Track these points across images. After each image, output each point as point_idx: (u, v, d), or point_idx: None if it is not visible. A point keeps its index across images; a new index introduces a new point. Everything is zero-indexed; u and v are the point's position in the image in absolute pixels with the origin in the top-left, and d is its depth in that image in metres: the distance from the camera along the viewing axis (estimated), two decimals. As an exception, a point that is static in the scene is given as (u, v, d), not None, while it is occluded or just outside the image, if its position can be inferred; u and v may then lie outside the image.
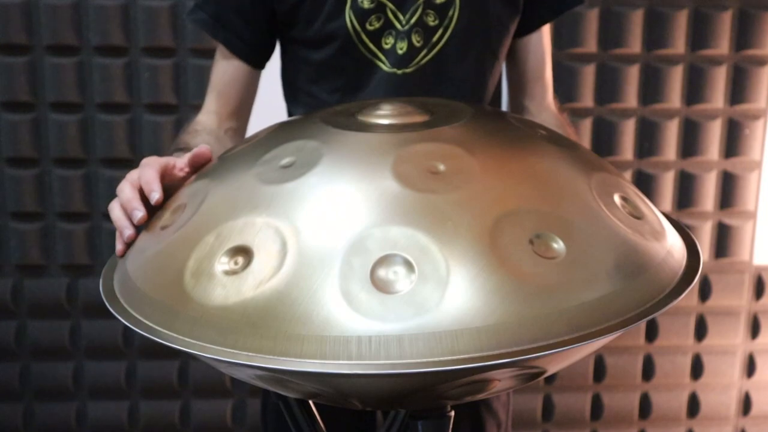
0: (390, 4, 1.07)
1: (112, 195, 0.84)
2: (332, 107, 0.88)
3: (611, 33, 1.96)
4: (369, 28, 1.07)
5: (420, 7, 1.07)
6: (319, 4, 1.08)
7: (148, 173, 0.81)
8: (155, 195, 0.79)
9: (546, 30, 1.20)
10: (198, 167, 0.85)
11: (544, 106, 1.21)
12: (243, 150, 0.82)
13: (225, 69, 1.15)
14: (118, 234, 0.81)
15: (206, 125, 1.13)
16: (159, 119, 1.91)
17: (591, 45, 1.96)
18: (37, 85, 1.88)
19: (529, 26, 1.17)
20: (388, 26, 1.07)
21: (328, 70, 1.12)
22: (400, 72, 1.09)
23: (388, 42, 1.08)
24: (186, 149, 1.02)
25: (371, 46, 1.08)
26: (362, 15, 1.07)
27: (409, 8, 1.07)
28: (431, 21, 1.07)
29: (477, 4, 1.09)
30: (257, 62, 1.16)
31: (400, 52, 1.08)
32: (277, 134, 0.83)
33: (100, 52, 1.87)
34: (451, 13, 1.08)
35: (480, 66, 1.14)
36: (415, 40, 1.08)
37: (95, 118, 1.91)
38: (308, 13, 1.08)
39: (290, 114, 1.22)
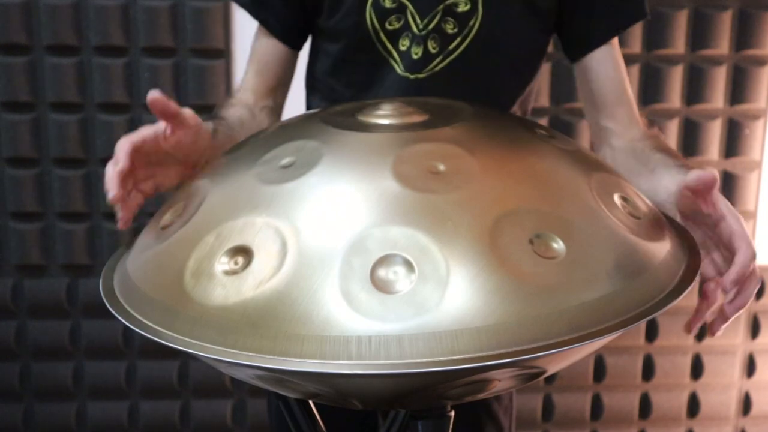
0: (410, 6, 1.06)
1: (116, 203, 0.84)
2: (332, 107, 0.88)
3: (611, 33, 1.96)
4: (388, 27, 1.07)
5: (439, 13, 1.06)
6: None
7: (119, 145, 0.82)
8: (111, 193, 0.79)
9: (615, 45, 1.12)
10: (166, 115, 0.86)
11: (630, 124, 1.12)
12: (243, 150, 0.82)
13: (264, 48, 1.16)
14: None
15: (242, 100, 1.13)
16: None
17: (591, 45, 1.95)
18: (37, 85, 1.88)
19: (588, 44, 1.11)
20: (406, 28, 1.07)
21: (344, 63, 1.12)
22: (412, 77, 1.08)
23: (405, 44, 1.07)
24: (219, 118, 1.03)
25: (388, 45, 1.08)
26: (383, 13, 1.06)
27: (428, 13, 1.06)
28: (450, 28, 1.06)
29: (500, 17, 1.07)
30: (295, 43, 1.16)
31: (414, 56, 1.08)
32: (277, 134, 0.83)
33: (100, 52, 1.88)
34: (472, 22, 1.06)
35: (496, 79, 1.11)
36: (431, 46, 1.07)
37: (95, 118, 1.91)
38: (331, 5, 1.08)
39: (308, 102, 1.23)
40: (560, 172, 0.74)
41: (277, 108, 1.19)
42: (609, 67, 1.12)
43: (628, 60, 1.97)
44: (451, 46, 1.07)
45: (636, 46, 1.98)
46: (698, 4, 1.96)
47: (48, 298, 1.98)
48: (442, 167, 0.69)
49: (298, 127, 0.83)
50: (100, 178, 1.93)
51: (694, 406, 2.18)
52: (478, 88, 1.09)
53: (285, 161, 0.73)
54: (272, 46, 1.15)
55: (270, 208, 0.68)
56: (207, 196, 0.74)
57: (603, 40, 1.11)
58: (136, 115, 1.92)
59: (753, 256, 0.80)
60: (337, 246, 0.63)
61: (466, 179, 0.68)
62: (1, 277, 1.97)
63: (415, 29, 1.06)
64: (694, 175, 0.79)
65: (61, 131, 1.91)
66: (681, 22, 1.97)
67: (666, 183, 0.91)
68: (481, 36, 1.07)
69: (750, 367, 2.17)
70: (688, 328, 0.83)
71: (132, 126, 1.91)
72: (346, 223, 0.65)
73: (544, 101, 1.98)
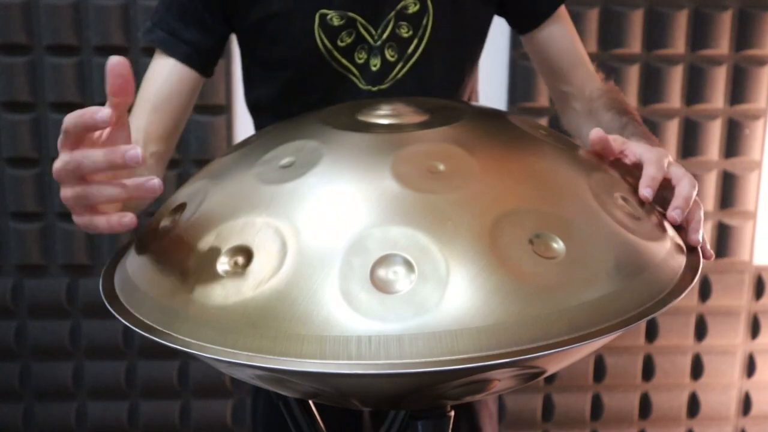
0: (360, 19, 1.02)
1: None
2: (332, 107, 0.88)
3: (611, 33, 1.96)
4: (340, 44, 1.03)
5: (392, 20, 1.03)
6: (284, 24, 1.02)
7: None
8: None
9: (562, 12, 1.11)
10: (121, 84, 0.73)
11: (587, 83, 1.12)
12: (243, 150, 0.82)
13: (168, 78, 1.03)
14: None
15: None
16: (159, 119, 1.92)
17: (591, 45, 1.96)
18: (37, 85, 1.88)
19: (536, 17, 1.10)
20: (360, 41, 1.03)
21: (296, 88, 1.07)
22: (375, 89, 1.05)
23: (361, 57, 1.03)
24: None
25: (344, 61, 1.04)
26: (332, 32, 1.02)
27: (380, 22, 1.03)
28: (405, 33, 1.03)
29: (450, 9, 1.05)
30: (210, 70, 1.08)
31: (374, 68, 1.04)
32: (276, 134, 0.83)
33: (99, 52, 1.88)
34: (425, 21, 1.03)
35: (459, 71, 1.10)
36: (389, 54, 1.04)
37: (95, 118, 1.91)
38: (273, 34, 1.03)
39: (258, 126, 1.16)
40: (560, 172, 0.74)
41: (166, 156, 1.06)
42: (560, 35, 1.11)
43: (628, 60, 1.98)
44: (409, 50, 1.04)
45: (636, 46, 1.98)
46: (698, 4, 1.96)
47: (48, 298, 1.98)
48: (442, 167, 0.69)
49: (298, 127, 0.83)
50: (100, 178, 1.93)
51: (694, 406, 2.18)
52: (440, 86, 1.08)
53: (285, 161, 0.73)
54: (181, 76, 1.03)
55: (270, 208, 0.68)
56: (207, 196, 0.74)
57: (551, 10, 1.10)
58: (136, 115, 1.92)
59: (690, 185, 0.79)
60: (337, 246, 0.63)
61: (466, 179, 0.68)
62: (1, 277, 1.97)
63: (370, 40, 1.03)
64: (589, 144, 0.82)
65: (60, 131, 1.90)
66: (681, 22, 1.97)
67: None
68: (436, 32, 1.04)
69: (750, 367, 2.17)
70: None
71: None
72: (346, 223, 0.65)
73: (544, 101, 1.98)
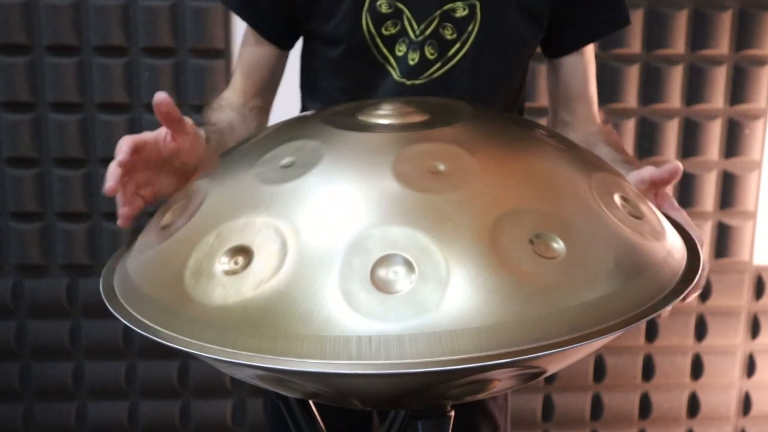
0: (407, 11, 1.05)
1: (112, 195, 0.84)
2: (332, 107, 0.88)
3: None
4: (384, 33, 1.06)
5: (436, 19, 1.05)
6: (336, 3, 1.06)
7: (121, 141, 0.82)
8: (108, 184, 0.78)
9: (589, 49, 1.17)
10: (169, 120, 0.84)
11: (588, 120, 1.17)
12: (243, 150, 0.82)
13: (252, 49, 1.15)
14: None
15: (231, 101, 1.12)
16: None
17: (591, 45, 1.96)
18: (37, 85, 1.88)
19: (569, 46, 1.15)
20: (402, 33, 1.06)
21: (340, 68, 1.11)
22: (409, 83, 1.07)
23: (401, 50, 1.06)
24: (208, 124, 1.02)
25: (384, 51, 1.07)
26: (379, 19, 1.05)
27: (425, 19, 1.05)
28: (448, 34, 1.05)
29: (498, 20, 1.06)
30: (284, 44, 1.16)
31: (411, 62, 1.06)
32: (277, 134, 0.83)
33: (100, 52, 1.88)
34: (470, 27, 1.05)
35: (493, 82, 1.11)
36: (429, 52, 1.06)
37: (95, 118, 1.91)
38: (325, 10, 1.07)
39: (303, 104, 1.22)
40: (560, 172, 0.74)
41: (266, 107, 1.18)
42: (580, 66, 1.16)
43: (628, 60, 1.98)
44: (450, 53, 1.06)
45: (636, 46, 1.98)
46: (698, 4, 1.96)
47: (48, 298, 1.98)
48: (442, 167, 0.69)
49: (298, 127, 0.83)
50: (100, 178, 1.93)
51: (694, 406, 2.18)
52: (476, 92, 1.09)
53: (285, 161, 0.73)
54: (261, 48, 1.14)
55: (270, 208, 0.68)
56: (207, 196, 0.74)
57: (583, 43, 1.15)
58: (136, 115, 1.92)
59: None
60: (337, 246, 0.63)
61: (466, 179, 0.68)
62: (1, 277, 1.97)
63: (411, 35, 1.05)
64: (656, 168, 0.85)
65: (61, 131, 1.91)
66: (681, 22, 1.97)
67: None
68: (480, 41, 1.06)
69: (750, 367, 2.17)
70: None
71: (132, 126, 1.91)
72: (346, 223, 0.65)
73: (544, 101, 1.98)
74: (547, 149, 0.77)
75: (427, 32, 1.05)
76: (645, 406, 2.17)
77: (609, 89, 1.98)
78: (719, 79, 2.00)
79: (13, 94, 1.88)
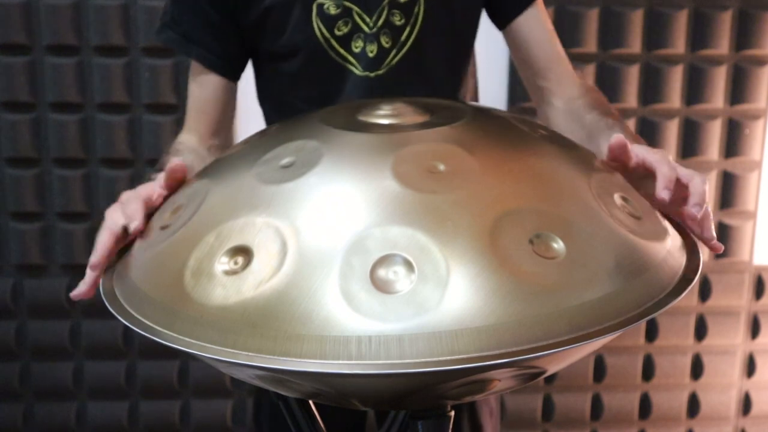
0: (355, 8, 1.06)
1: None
2: (332, 107, 0.88)
3: (611, 33, 1.96)
4: (338, 33, 1.06)
5: (385, 8, 1.06)
6: (284, 15, 1.06)
7: (132, 206, 0.80)
8: (135, 224, 0.78)
9: (540, 6, 1.14)
10: (174, 184, 0.83)
11: (566, 80, 1.14)
12: (243, 150, 0.82)
13: (201, 86, 1.13)
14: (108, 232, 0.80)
15: (188, 144, 1.10)
16: (159, 119, 1.91)
17: (591, 45, 1.96)
18: (37, 85, 1.88)
19: (515, 8, 1.13)
20: (356, 30, 1.07)
21: (300, 79, 1.11)
22: (372, 75, 1.08)
23: (358, 45, 1.07)
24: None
25: (341, 51, 1.08)
26: (329, 21, 1.06)
27: (375, 10, 1.06)
28: (398, 20, 1.07)
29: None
30: (232, 75, 1.14)
31: (370, 55, 1.08)
32: (277, 134, 0.83)
33: (100, 52, 1.88)
34: (416, 10, 1.07)
35: (452, 60, 1.13)
36: (384, 41, 1.07)
37: (95, 118, 1.91)
38: (274, 25, 1.07)
39: (268, 119, 1.21)
40: (560, 172, 0.74)
41: (224, 144, 1.16)
42: (537, 28, 1.13)
43: (628, 60, 1.98)
44: (403, 37, 1.08)
45: (636, 46, 1.98)
46: (698, 4, 1.96)
47: (48, 298, 1.98)
48: (442, 167, 0.69)
49: (298, 127, 0.83)
50: (100, 178, 1.93)
51: (694, 406, 2.18)
52: (435, 71, 1.11)
53: (285, 161, 0.73)
54: (210, 82, 1.12)
55: (270, 208, 0.68)
56: (207, 196, 0.74)
57: (528, 2, 1.12)
58: (136, 115, 1.92)
59: (702, 181, 0.79)
60: (337, 246, 0.63)
61: (466, 179, 0.68)
62: (1, 277, 1.97)
63: (365, 28, 1.06)
64: (606, 149, 0.82)
65: (61, 131, 1.91)
66: (681, 22, 1.97)
67: (603, 149, 0.91)
68: (428, 21, 1.08)
69: (750, 367, 2.17)
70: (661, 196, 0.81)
71: (132, 126, 1.91)
72: (346, 223, 0.65)
73: (544, 101, 1.98)
74: (547, 149, 0.77)
75: (380, 23, 1.07)
76: (645, 406, 2.17)
77: (609, 89, 1.98)
78: (719, 79, 2.00)
79: (13, 94, 1.88)
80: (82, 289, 0.79)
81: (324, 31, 1.06)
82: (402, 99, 0.85)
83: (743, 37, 1.98)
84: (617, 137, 0.81)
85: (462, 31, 1.13)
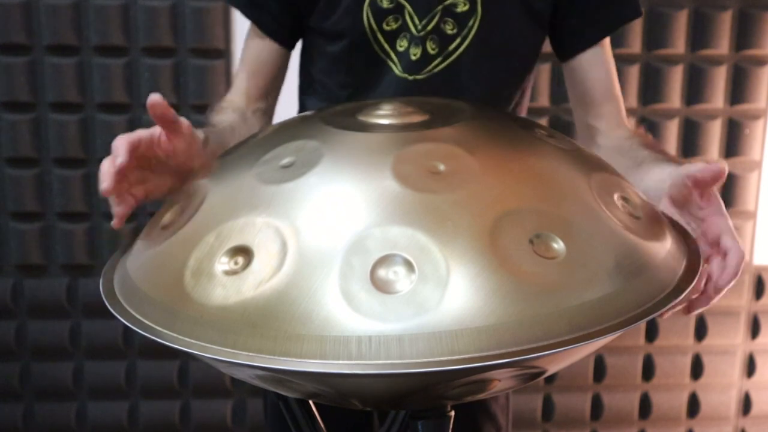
0: (408, 6, 1.05)
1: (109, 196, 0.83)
2: (332, 107, 0.88)
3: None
4: (386, 28, 1.06)
5: (438, 14, 1.05)
6: None
7: (117, 141, 0.79)
8: (104, 185, 0.76)
9: (606, 45, 1.13)
10: (164, 121, 0.82)
11: (617, 123, 1.13)
12: (243, 150, 0.82)
13: (257, 48, 1.14)
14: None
15: (234, 103, 1.12)
16: (159, 119, 1.91)
17: (591, 45, 1.95)
18: (37, 85, 1.88)
19: (580, 44, 1.12)
20: (404, 28, 1.06)
21: (341, 64, 1.11)
22: (411, 78, 1.07)
23: (403, 45, 1.06)
24: (209, 125, 1.01)
25: (386, 46, 1.07)
26: (380, 14, 1.05)
27: (426, 14, 1.05)
28: (449, 29, 1.05)
29: (499, 17, 1.06)
30: (288, 42, 1.15)
31: (413, 57, 1.07)
32: (277, 134, 0.83)
33: (100, 52, 1.88)
34: (471, 23, 1.05)
35: (495, 80, 1.11)
36: (430, 47, 1.06)
37: (95, 118, 1.91)
38: (327, 5, 1.07)
39: (302, 103, 1.22)
40: (560, 172, 0.74)
41: (269, 110, 1.18)
42: (598, 67, 1.12)
43: (628, 60, 1.97)
44: (451, 47, 1.06)
45: (636, 46, 1.98)
46: (698, 4, 1.96)
47: (48, 298, 1.98)
48: (442, 167, 0.69)
49: (298, 127, 0.83)
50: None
51: (694, 406, 2.18)
52: (476, 88, 1.09)
53: (285, 161, 0.73)
54: (265, 46, 1.14)
55: (270, 208, 0.68)
56: (207, 196, 0.74)
57: (594, 40, 1.11)
58: (136, 115, 1.92)
59: (742, 257, 0.81)
60: (337, 246, 0.63)
61: (466, 179, 0.68)
62: (1, 277, 1.97)
63: (413, 30, 1.05)
64: (701, 165, 0.81)
65: (61, 131, 1.91)
66: (681, 22, 1.97)
67: (656, 174, 0.91)
68: (480, 36, 1.06)
69: (750, 367, 2.17)
70: (686, 311, 0.88)
71: (132, 126, 1.91)
72: (346, 223, 0.65)
73: (544, 101, 1.98)
74: (547, 149, 0.77)
75: (429, 27, 1.05)
76: (645, 406, 2.17)
77: (609, 89, 1.97)
78: (719, 79, 2.00)
79: (13, 94, 1.88)
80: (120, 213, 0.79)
81: (372, 22, 1.05)
82: (402, 99, 0.85)
83: (743, 37, 1.98)
84: (721, 163, 0.80)
85: (513, 53, 1.10)
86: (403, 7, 1.05)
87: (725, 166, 0.80)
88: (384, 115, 0.79)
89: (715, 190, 0.82)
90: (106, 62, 1.88)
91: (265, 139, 0.83)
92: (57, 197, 1.93)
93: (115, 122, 1.91)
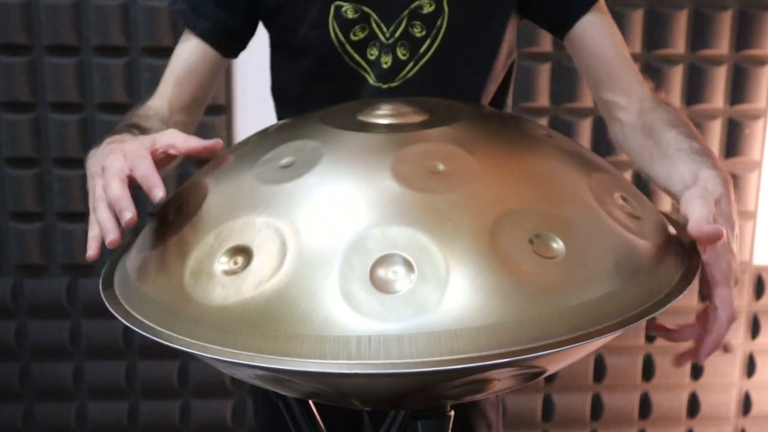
0: (374, 14, 1.02)
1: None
2: (332, 107, 0.88)
3: (611, 33, 1.96)
4: (353, 38, 1.03)
5: (405, 18, 1.02)
6: (301, 12, 1.03)
7: (143, 166, 0.73)
8: (128, 214, 0.70)
9: (604, 10, 1.04)
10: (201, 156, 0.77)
11: (637, 92, 1.03)
12: (243, 150, 0.82)
13: (191, 53, 1.07)
14: (94, 235, 0.73)
15: (158, 112, 1.04)
16: (159, 119, 1.91)
17: (591, 45, 1.95)
18: (37, 85, 1.88)
19: (569, 15, 1.04)
20: (372, 37, 1.03)
21: (314, 77, 1.08)
22: (385, 86, 1.05)
23: (373, 54, 1.03)
24: (140, 129, 0.93)
25: (356, 56, 1.04)
26: (346, 25, 1.03)
27: (393, 20, 1.02)
28: (418, 32, 1.02)
29: (467, 11, 1.03)
30: (232, 51, 1.10)
31: (384, 66, 1.04)
32: (276, 134, 0.83)
33: (100, 52, 1.87)
34: (439, 23, 1.02)
35: (472, 76, 1.08)
36: (401, 53, 1.03)
37: (95, 118, 1.91)
38: (291, 19, 1.05)
39: (279, 114, 1.18)
40: (560, 172, 0.74)
41: (190, 125, 1.09)
42: (601, 32, 1.04)
43: (628, 60, 1.97)
44: (421, 50, 1.04)
45: (636, 46, 1.97)
46: (698, 4, 1.96)
47: (48, 298, 1.98)
48: (441, 167, 0.69)
49: (298, 127, 0.83)
50: (100, 178, 1.93)
51: (694, 406, 2.18)
52: (453, 88, 1.06)
53: (285, 161, 0.73)
54: (201, 52, 1.07)
55: (270, 208, 0.68)
56: (207, 196, 0.74)
57: (585, 6, 1.04)
58: (136, 115, 1.91)
59: (731, 321, 0.77)
60: (337, 246, 0.63)
61: (466, 179, 0.68)
62: (1, 277, 1.97)
63: (382, 37, 1.03)
64: (696, 224, 0.73)
65: (61, 131, 1.90)
66: (681, 22, 1.97)
67: (681, 173, 0.85)
68: (450, 35, 1.03)
69: (750, 367, 2.17)
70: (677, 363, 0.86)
71: (132, 126, 1.91)
72: (346, 223, 0.65)
73: (544, 101, 1.98)
74: (547, 149, 0.77)
75: (397, 34, 1.03)
76: (645, 406, 2.17)
77: (609, 89, 1.97)
78: (719, 79, 2.00)
79: (13, 94, 1.88)
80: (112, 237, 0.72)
81: (339, 34, 1.03)
82: (402, 99, 0.85)
83: (743, 37, 1.98)
84: (717, 227, 0.73)
85: (486, 47, 1.07)
86: (368, 15, 1.02)
87: (722, 230, 0.73)
88: (384, 115, 0.79)
89: (725, 234, 0.75)
90: (106, 62, 1.88)
91: (265, 139, 0.83)
92: (57, 197, 1.93)
93: (114, 122, 1.89)
